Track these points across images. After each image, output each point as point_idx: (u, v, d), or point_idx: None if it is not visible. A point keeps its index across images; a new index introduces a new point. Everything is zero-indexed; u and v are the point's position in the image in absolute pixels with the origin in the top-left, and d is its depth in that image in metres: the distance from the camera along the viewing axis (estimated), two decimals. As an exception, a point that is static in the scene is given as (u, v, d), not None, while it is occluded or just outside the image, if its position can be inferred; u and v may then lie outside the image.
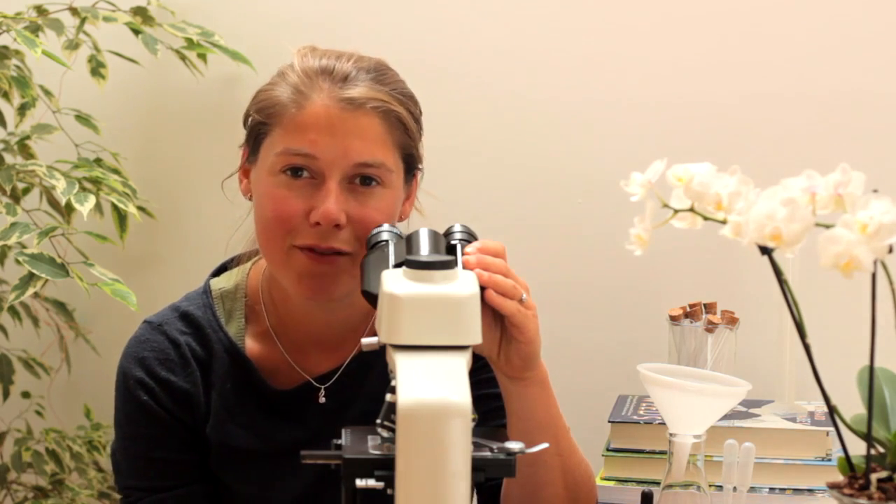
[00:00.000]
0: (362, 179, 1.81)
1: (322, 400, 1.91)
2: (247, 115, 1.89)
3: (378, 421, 1.46)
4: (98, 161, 2.60)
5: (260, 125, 1.85)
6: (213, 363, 1.91)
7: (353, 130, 1.80)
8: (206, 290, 1.96)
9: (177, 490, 1.90)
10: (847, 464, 1.35)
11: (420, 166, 1.92)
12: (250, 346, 1.93)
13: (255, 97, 1.88)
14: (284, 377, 1.92)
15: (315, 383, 1.91)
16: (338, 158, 1.79)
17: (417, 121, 1.88)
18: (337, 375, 1.92)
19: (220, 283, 1.97)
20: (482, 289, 1.61)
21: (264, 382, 1.91)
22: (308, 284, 1.82)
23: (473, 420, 1.37)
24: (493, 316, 1.69)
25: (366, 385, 1.91)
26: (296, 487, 1.91)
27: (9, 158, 2.58)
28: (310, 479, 1.89)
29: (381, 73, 1.86)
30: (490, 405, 1.84)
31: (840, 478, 1.34)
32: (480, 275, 1.64)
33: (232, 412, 1.90)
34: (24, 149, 2.58)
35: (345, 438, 1.50)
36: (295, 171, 1.81)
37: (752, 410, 2.18)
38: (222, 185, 1.98)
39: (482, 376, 1.83)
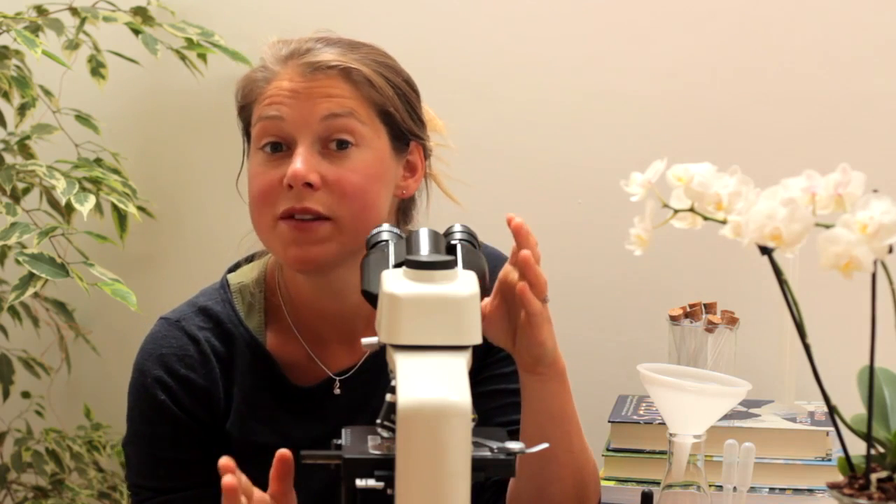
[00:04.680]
0: (338, 144, 1.84)
1: (337, 391, 1.91)
2: (238, 108, 1.93)
3: (378, 421, 1.46)
4: (98, 161, 2.60)
5: (244, 108, 1.91)
6: (234, 358, 1.91)
7: (316, 91, 1.84)
8: (224, 285, 1.95)
9: (186, 492, 1.89)
10: (847, 464, 1.35)
11: (419, 139, 1.92)
12: (271, 340, 1.93)
13: (237, 85, 1.93)
14: (304, 373, 1.92)
15: (335, 377, 1.91)
16: (305, 118, 1.83)
17: (396, 86, 1.90)
18: (354, 370, 1.92)
19: (238, 278, 1.96)
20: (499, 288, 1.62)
21: (285, 378, 1.91)
22: (294, 253, 1.83)
23: (473, 420, 1.37)
24: (507, 311, 1.70)
25: (383, 381, 1.91)
26: (315, 484, 1.90)
27: (9, 158, 2.58)
28: (329, 476, 1.89)
29: (350, 45, 1.90)
30: (505, 400, 1.85)
31: (840, 478, 1.34)
32: (528, 257, 1.65)
33: (253, 407, 1.90)
34: (24, 149, 2.57)
35: (345, 438, 1.50)
36: (274, 147, 1.85)
37: (752, 410, 2.18)
38: (236, 184, 1.99)
39: (502, 370, 1.84)
